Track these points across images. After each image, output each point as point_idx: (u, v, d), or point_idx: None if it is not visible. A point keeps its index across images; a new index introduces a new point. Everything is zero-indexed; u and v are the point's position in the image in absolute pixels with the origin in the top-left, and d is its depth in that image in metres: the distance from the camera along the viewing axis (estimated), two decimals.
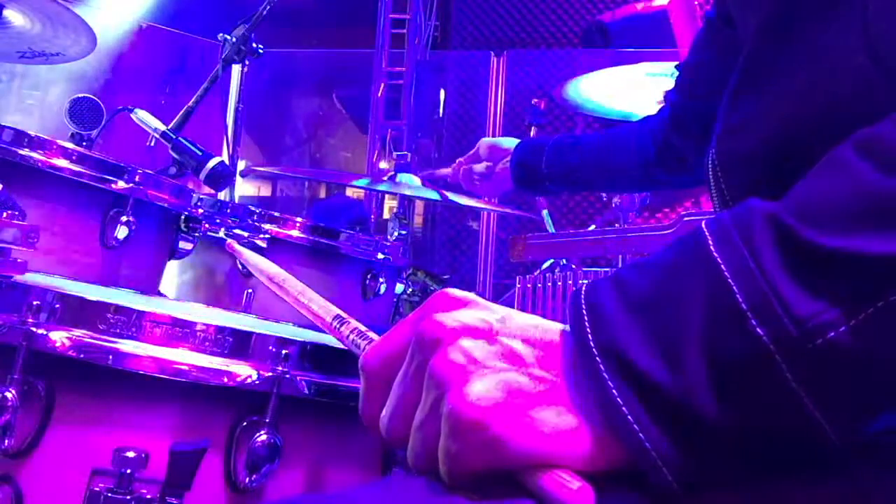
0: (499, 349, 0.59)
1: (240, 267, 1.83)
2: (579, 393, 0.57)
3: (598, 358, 0.56)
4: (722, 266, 0.54)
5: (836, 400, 0.52)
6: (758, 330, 0.52)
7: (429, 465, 0.60)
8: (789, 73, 0.69)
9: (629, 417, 0.54)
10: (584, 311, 0.58)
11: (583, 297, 0.59)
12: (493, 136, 5.30)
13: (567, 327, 0.61)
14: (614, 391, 0.55)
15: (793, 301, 0.52)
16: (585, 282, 0.63)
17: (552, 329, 0.61)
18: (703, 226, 0.57)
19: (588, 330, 0.57)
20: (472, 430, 0.56)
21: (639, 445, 0.54)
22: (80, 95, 1.83)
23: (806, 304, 0.51)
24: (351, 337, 0.76)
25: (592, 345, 0.57)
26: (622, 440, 0.55)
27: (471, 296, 0.64)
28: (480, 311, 0.62)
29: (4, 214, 0.93)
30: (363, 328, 0.76)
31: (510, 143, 1.71)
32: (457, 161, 1.86)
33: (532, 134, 3.31)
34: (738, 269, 0.53)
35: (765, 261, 0.53)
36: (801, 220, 0.53)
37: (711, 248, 0.55)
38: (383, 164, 5.50)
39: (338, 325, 0.78)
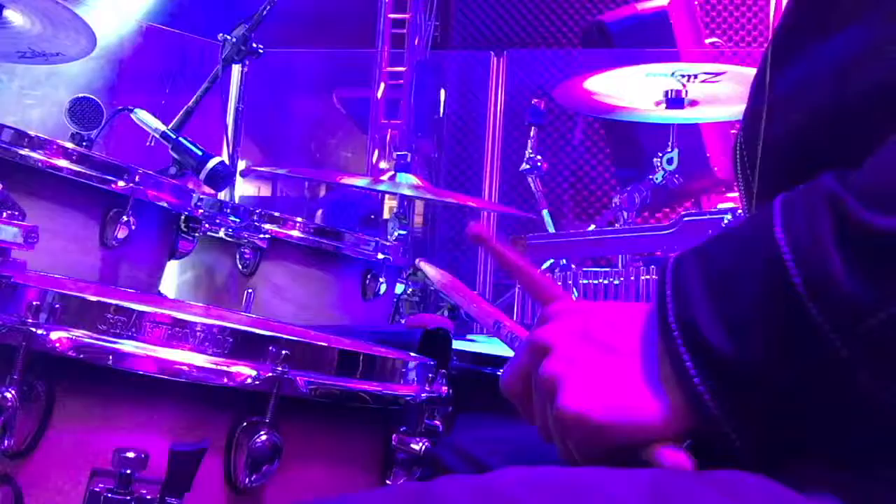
0: (591, 346, 0.67)
1: (240, 267, 1.83)
2: (661, 368, 0.64)
3: (675, 332, 0.61)
4: (781, 244, 0.58)
5: (887, 373, 0.55)
6: (810, 308, 0.55)
7: (566, 453, 0.69)
8: (825, 52, 0.69)
9: (701, 388, 0.60)
10: (668, 286, 0.64)
11: (669, 270, 0.65)
12: (493, 135, 5.30)
13: (651, 306, 0.67)
14: (688, 363, 0.60)
15: (844, 282, 0.54)
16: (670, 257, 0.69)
17: (636, 311, 0.68)
18: (777, 202, 0.60)
19: (669, 305, 0.63)
20: (576, 425, 0.65)
21: (710, 416, 0.59)
22: (80, 95, 1.83)
23: (857, 285, 0.54)
24: (508, 339, 0.86)
25: (671, 320, 0.62)
26: (695, 412, 0.60)
27: (570, 300, 0.74)
28: (575, 317, 0.70)
29: (4, 214, 0.93)
30: (517, 331, 0.85)
31: None
32: None
33: (532, 134, 3.30)
34: (795, 249, 0.57)
35: (822, 241, 0.56)
36: (861, 200, 0.55)
37: (776, 226, 0.59)
38: (383, 164, 5.49)
39: (496, 329, 0.88)
